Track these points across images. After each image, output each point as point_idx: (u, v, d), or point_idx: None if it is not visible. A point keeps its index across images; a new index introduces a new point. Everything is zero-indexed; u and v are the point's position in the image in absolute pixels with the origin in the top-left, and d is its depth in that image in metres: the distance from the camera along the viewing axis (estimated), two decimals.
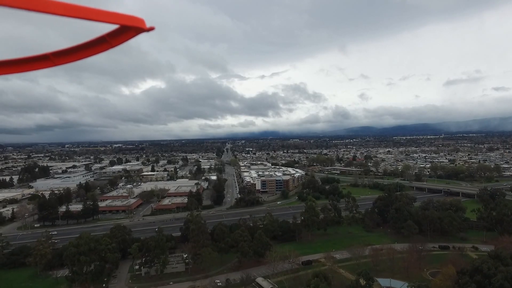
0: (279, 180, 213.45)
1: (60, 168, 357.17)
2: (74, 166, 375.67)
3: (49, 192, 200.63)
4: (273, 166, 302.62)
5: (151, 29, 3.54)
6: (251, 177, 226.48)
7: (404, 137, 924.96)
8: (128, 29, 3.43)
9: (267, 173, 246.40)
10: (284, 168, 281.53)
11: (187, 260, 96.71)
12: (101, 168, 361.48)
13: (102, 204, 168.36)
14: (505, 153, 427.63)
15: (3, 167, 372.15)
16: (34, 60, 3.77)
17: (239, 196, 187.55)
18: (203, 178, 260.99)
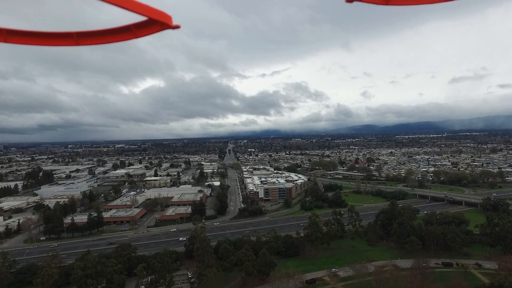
0: (282, 188, 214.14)
1: (64, 172, 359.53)
2: (77, 170, 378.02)
3: (54, 200, 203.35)
4: (275, 171, 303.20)
5: (177, 27, 3.70)
6: (254, 185, 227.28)
7: (406, 136, 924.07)
8: (154, 23, 3.59)
9: (269, 179, 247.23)
10: (286, 174, 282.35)
11: (192, 280, 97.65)
12: (104, 172, 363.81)
13: (106, 215, 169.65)
14: (508, 155, 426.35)
15: (7, 171, 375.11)
16: (57, 36, 3.93)
17: (242, 205, 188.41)
18: (206, 184, 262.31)
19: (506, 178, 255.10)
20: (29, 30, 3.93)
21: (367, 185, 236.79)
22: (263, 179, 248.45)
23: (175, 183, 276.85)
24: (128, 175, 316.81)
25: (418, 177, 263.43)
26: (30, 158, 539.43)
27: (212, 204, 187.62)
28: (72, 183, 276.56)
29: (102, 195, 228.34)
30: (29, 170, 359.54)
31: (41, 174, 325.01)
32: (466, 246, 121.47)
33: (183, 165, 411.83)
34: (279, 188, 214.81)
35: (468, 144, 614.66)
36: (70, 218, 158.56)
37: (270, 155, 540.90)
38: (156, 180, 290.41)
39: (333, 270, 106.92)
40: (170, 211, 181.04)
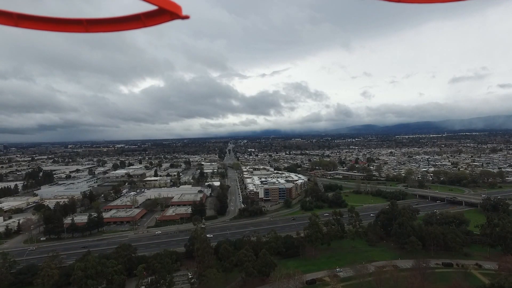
0: (282, 188, 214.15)
1: (64, 172, 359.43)
2: (77, 170, 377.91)
3: (54, 200, 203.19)
4: (275, 172, 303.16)
5: (186, 17, 3.75)
6: (254, 185, 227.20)
7: (406, 136, 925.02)
8: (164, 12, 3.62)
9: (270, 179, 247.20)
10: (286, 174, 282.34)
11: (192, 280, 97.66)
12: (104, 172, 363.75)
13: (106, 215, 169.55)
14: (508, 155, 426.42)
15: (7, 171, 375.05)
16: (67, 22, 3.94)
17: (242, 205, 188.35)
18: (206, 184, 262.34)
19: (506, 178, 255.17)
20: (39, 15, 3.93)
21: (367, 185, 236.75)
22: (263, 179, 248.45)
23: (175, 183, 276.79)
24: (128, 175, 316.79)
25: (418, 177, 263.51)
26: (30, 158, 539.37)
27: (212, 205, 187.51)
28: (72, 183, 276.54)
29: (102, 195, 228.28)
30: (29, 170, 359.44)
31: (41, 174, 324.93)
32: (466, 246, 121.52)
33: (183, 165, 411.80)
34: (279, 188, 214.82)
35: (468, 144, 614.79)
36: (70, 218, 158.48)
37: (270, 155, 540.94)
38: (156, 180, 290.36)
39: (337, 269, 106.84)
40: (170, 212, 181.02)
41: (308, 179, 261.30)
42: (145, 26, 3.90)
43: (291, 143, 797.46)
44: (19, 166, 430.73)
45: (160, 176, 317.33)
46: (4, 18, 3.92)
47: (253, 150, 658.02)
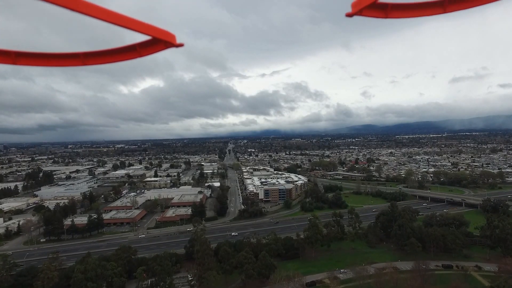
0: (282, 189, 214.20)
1: (64, 172, 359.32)
2: (77, 171, 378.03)
3: (54, 201, 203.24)
4: (275, 172, 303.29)
5: (180, 45, 3.81)
6: (254, 186, 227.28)
7: (406, 136, 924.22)
8: (159, 41, 3.72)
9: (269, 180, 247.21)
10: (286, 174, 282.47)
11: (192, 282, 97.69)
12: (104, 173, 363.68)
13: (106, 216, 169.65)
14: (508, 155, 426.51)
15: (7, 172, 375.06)
16: (65, 57, 4.12)
17: (242, 206, 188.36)
18: (206, 184, 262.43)
19: (506, 178, 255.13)
20: (37, 52, 4.07)
21: (367, 186, 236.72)
22: (263, 180, 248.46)
23: (175, 184, 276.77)
24: (128, 175, 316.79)
25: (418, 178, 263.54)
26: (30, 159, 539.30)
27: (212, 205, 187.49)
28: (72, 184, 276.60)
29: (102, 196, 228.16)
30: (29, 170, 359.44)
31: (41, 174, 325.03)
32: (466, 248, 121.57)
33: (183, 166, 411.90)
34: (279, 189, 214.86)
35: (468, 144, 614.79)
36: (70, 219, 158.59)
37: (270, 155, 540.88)
38: (156, 181, 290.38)
39: (341, 270, 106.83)
40: (170, 212, 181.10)
41: (308, 180, 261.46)
42: (140, 56, 3.97)
43: (291, 143, 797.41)
44: (19, 167, 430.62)
45: (160, 176, 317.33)
46: (2, 56, 4.01)
47: (253, 150, 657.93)
